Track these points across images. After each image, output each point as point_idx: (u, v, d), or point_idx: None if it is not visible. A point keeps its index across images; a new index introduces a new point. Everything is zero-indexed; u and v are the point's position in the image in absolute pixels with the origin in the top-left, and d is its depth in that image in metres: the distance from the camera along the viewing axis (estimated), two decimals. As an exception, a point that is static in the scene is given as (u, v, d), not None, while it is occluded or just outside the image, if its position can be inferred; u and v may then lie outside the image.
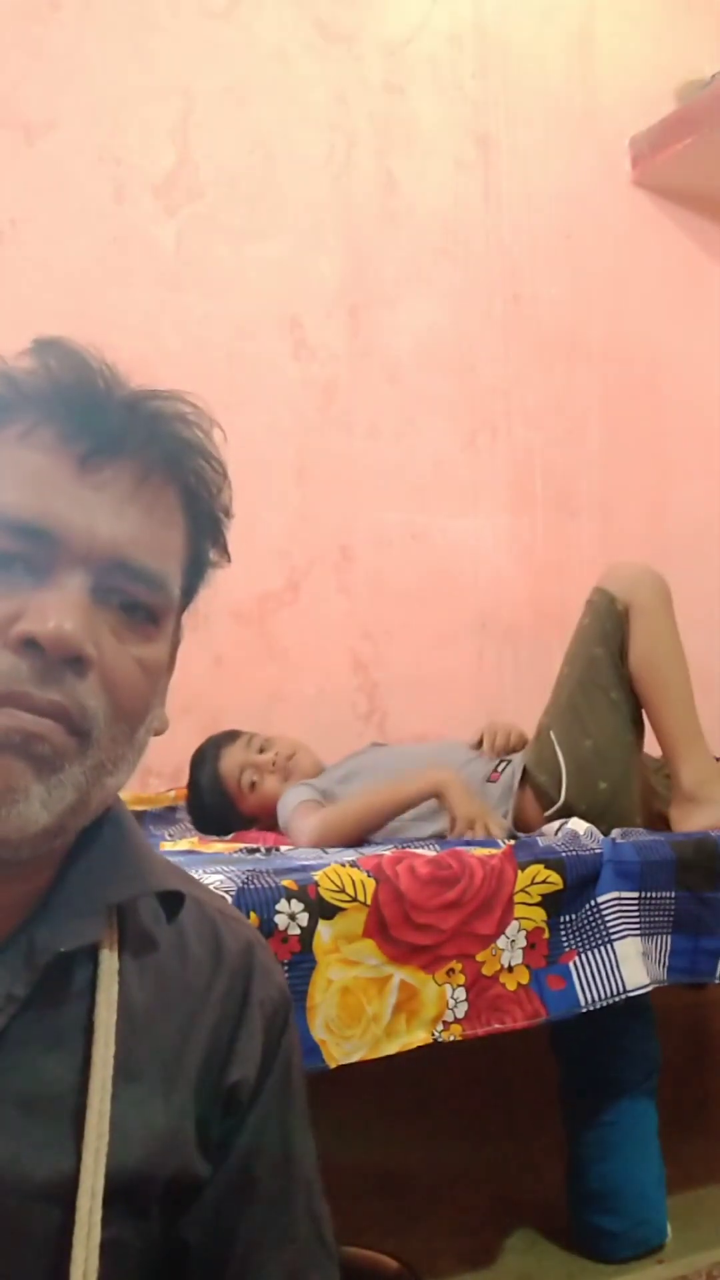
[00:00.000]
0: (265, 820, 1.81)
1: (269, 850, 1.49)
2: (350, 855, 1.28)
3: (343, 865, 1.17)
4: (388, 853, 1.24)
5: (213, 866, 1.20)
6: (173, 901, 0.65)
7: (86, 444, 0.57)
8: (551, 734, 1.63)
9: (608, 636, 1.63)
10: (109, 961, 0.60)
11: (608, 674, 1.63)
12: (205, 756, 1.87)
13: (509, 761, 1.69)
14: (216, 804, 1.84)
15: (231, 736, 1.89)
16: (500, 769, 1.68)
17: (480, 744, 1.78)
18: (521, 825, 1.61)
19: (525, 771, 1.64)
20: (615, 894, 1.28)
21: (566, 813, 1.57)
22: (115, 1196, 0.56)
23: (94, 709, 0.55)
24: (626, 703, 1.64)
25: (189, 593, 0.65)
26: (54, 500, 0.56)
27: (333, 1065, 1.09)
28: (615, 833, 1.42)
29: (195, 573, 0.65)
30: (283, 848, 1.55)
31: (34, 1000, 0.56)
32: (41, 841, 0.55)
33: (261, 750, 1.85)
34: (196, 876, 1.11)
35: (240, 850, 1.47)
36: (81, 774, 0.55)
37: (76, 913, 0.59)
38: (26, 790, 0.53)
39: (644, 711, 1.64)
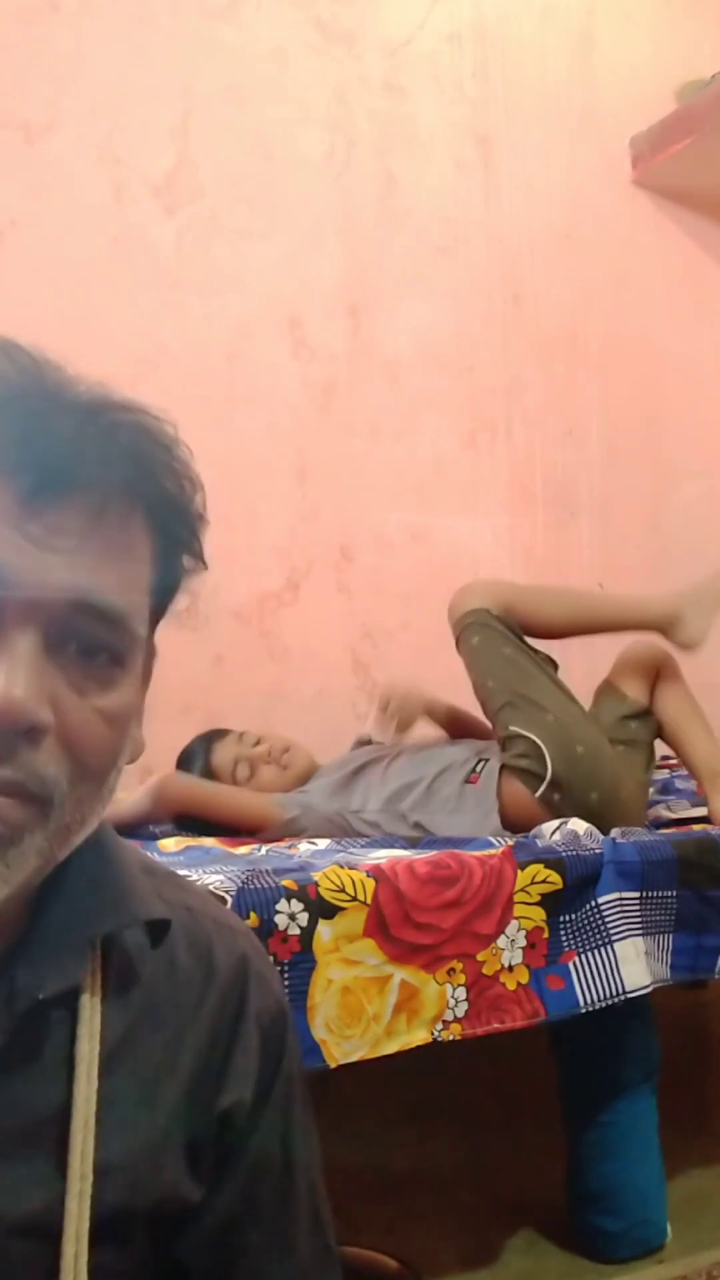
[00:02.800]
0: None
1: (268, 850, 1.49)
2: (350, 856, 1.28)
3: (342, 865, 1.18)
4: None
5: (212, 866, 1.20)
6: (158, 927, 0.61)
7: (32, 477, 0.48)
8: (512, 727, 1.65)
9: (507, 638, 1.70)
10: (90, 993, 0.56)
11: (528, 663, 1.69)
12: (195, 754, 1.87)
13: (485, 760, 1.69)
14: None
15: (221, 733, 1.89)
16: (479, 769, 1.68)
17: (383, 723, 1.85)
18: (514, 817, 1.61)
19: (508, 769, 1.64)
20: (617, 894, 1.28)
21: (557, 787, 1.58)
22: (98, 1226, 0.54)
23: (54, 776, 0.50)
24: (557, 682, 1.70)
25: (159, 610, 0.58)
26: None
27: (333, 1065, 1.09)
28: (615, 832, 1.42)
29: (165, 590, 0.58)
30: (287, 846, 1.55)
31: (12, 1041, 0.54)
32: (4, 903, 0.51)
33: (256, 744, 1.85)
34: (195, 877, 1.11)
35: (254, 848, 1.47)
36: (44, 840, 0.50)
37: (57, 950, 0.55)
38: None
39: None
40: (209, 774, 1.84)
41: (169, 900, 0.63)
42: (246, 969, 0.64)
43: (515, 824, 1.60)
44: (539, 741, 1.61)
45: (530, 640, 1.73)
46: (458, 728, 1.96)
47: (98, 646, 0.51)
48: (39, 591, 0.49)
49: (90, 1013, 0.56)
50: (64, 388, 0.51)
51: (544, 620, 1.75)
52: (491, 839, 1.45)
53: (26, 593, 0.48)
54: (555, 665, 1.73)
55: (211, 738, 1.89)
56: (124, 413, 0.52)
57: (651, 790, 1.79)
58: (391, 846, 1.48)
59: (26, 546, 0.49)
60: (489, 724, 1.74)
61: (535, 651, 1.72)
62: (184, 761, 1.87)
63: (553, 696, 1.66)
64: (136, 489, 0.52)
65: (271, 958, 1.07)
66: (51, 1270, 0.53)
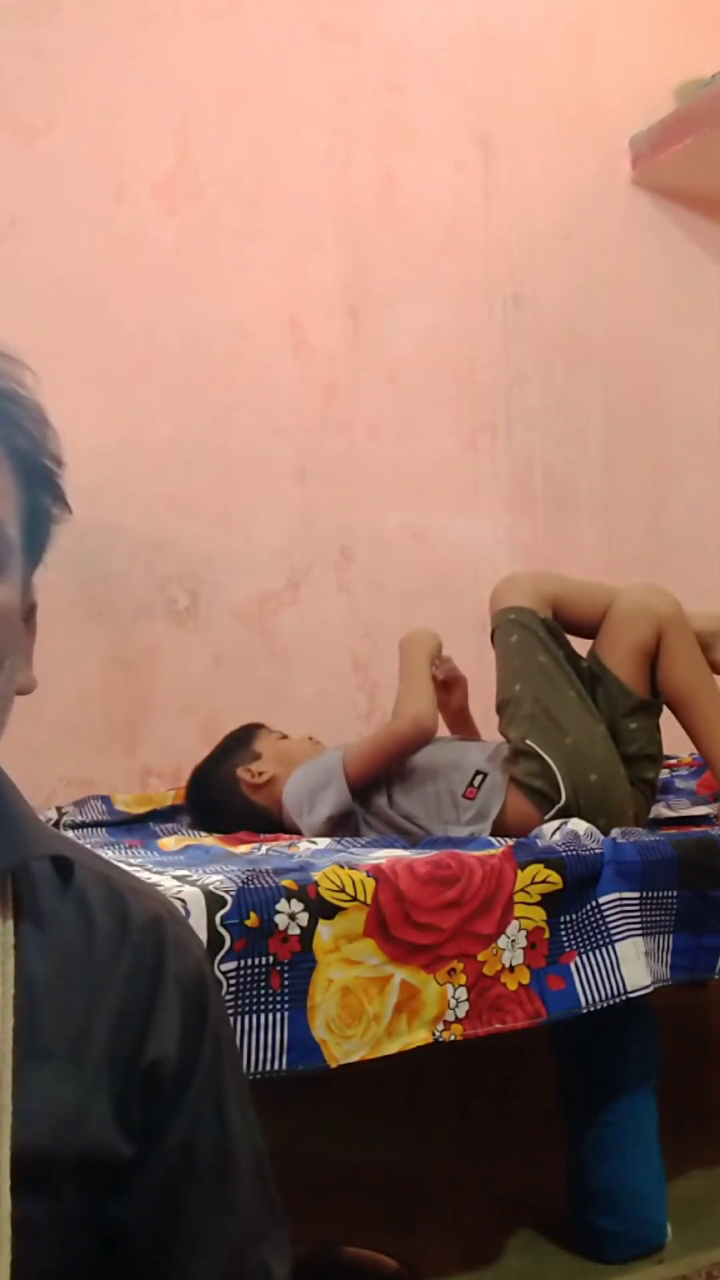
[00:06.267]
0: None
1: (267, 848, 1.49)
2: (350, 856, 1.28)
3: (342, 865, 1.18)
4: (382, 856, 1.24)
5: (212, 866, 1.20)
6: (64, 869, 0.64)
7: None
8: (529, 742, 1.63)
9: (546, 643, 1.69)
10: (3, 936, 0.59)
11: (559, 676, 1.67)
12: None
13: (484, 775, 1.67)
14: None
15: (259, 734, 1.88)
16: (477, 783, 1.66)
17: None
18: (515, 829, 1.59)
19: (517, 784, 1.63)
20: (617, 894, 1.28)
21: (567, 812, 1.56)
22: (20, 1176, 0.55)
23: None
24: (584, 697, 1.67)
25: (32, 549, 0.64)
26: None
27: (334, 1065, 1.09)
28: (616, 832, 1.42)
29: (35, 526, 0.64)
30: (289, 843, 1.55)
31: None
32: None
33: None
34: (194, 877, 1.11)
35: (254, 847, 1.47)
36: None
37: None
38: None
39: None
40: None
41: (88, 866, 0.66)
42: (162, 931, 0.66)
43: (514, 835, 1.59)
44: (554, 766, 1.59)
45: (574, 640, 1.72)
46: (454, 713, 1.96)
47: None
48: None
49: (3, 952, 0.58)
50: None
51: (590, 616, 1.73)
52: (491, 839, 1.45)
53: None
54: (594, 677, 1.70)
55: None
56: None
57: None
58: (391, 846, 1.48)
59: None
60: (495, 716, 1.73)
61: (575, 661, 1.70)
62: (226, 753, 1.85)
63: (576, 715, 1.64)
64: None
65: (272, 957, 1.07)
66: None
